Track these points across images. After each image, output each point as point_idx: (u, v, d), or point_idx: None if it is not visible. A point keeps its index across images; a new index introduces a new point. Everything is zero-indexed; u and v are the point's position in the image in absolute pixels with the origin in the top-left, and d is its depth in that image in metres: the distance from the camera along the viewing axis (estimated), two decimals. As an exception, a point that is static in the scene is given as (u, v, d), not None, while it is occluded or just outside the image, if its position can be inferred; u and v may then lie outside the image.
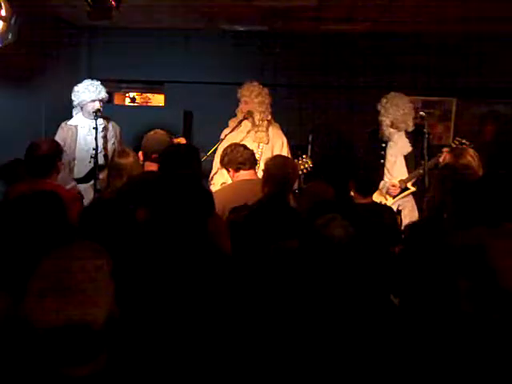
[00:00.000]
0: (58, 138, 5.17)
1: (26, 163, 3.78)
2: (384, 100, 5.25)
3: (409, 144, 5.16)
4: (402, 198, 5.07)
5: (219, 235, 2.86)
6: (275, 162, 3.72)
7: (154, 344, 2.14)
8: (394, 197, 5.08)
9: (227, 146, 4.29)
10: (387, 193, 5.11)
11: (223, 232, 2.99)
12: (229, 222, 3.42)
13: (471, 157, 4.09)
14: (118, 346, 1.61)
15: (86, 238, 2.37)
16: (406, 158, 5.13)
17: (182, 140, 5.03)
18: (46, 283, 1.50)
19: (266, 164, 3.73)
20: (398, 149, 5.19)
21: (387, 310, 2.64)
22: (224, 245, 2.93)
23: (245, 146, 4.26)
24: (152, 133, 3.95)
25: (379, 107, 5.26)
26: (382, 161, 5.25)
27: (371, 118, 6.88)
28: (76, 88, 5.30)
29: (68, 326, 1.46)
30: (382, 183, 5.05)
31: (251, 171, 4.13)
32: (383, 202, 4.82)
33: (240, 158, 4.08)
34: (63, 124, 5.31)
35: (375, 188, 4.10)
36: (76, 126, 5.22)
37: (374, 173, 4.08)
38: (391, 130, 5.19)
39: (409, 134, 5.19)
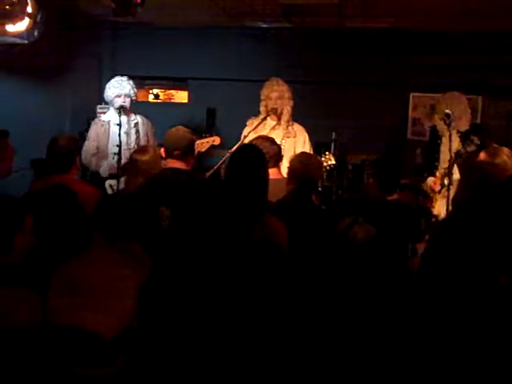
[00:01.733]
0: (91, 133, 5.28)
1: (45, 159, 3.79)
2: (440, 96, 5.33)
3: (460, 143, 5.11)
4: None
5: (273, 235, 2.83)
6: (300, 159, 3.69)
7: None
8: (438, 192, 5.11)
9: (254, 139, 4.23)
10: (430, 188, 5.17)
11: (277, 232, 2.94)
12: None
13: (507, 156, 4.03)
14: (136, 352, 1.57)
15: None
16: (457, 156, 5.10)
17: (217, 139, 5.03)
18: (66, 282, 1.47)
19: (291, 161, 3.70)
20: (447, 146, 5.07)
21: (407, 307, 2.63)
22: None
23: (272, 140, 4.17)
24: (174, 129, 3.92)
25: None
26: (437, 155, 5.33)
27: (394, 115, 6.87)
28: (107, 85, 5.37)
29: (78, 330, 1.42)
30: (428, 179, 5.21)
31: (275, 169, 4.02)
32: (432, 197, 5.01)
33: (266, 155, 4.01)
34: (97, 120, 5.43)
35: (397, 186, 4.02)
36: (108, 122, 5.27)
37: (396, 171, 4.00)
38: (444, 126, 5.14)
39: (461, 134, 5.14)
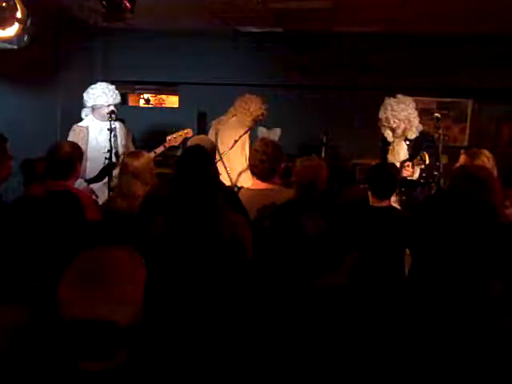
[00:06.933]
0: (70, 139, 5.03)
1: (47, 164, 3.78)
2: (383, 105, 4.81)
3: (407, 151, 4.73)
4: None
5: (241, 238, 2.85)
6: (306, 164, 3.61)
7: (171, 342, 2.14)
8: None
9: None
10: None
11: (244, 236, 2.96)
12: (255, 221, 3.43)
13: (486, 158, 4.07)
14: (137, 344, 1.60)
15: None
16: (402, 166, 4.62)
17: (190, 131, 5.04)
18: (80, 274, 1.50)
19: (297, 166, 3.62)
20: (393, 155, 4.80)
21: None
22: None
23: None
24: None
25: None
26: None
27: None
28: (91, 90, 5.14)
29: (92, 321, 1.45)
30: None
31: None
32: None
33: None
34: (75, 126, 5.21)
35: (391, 192, 3.88)
36: (87, 128, 5.18)
37: (393, 176, 3.84)
38: (389, 134, 4.80)
39: (410, 141, 4.74)
